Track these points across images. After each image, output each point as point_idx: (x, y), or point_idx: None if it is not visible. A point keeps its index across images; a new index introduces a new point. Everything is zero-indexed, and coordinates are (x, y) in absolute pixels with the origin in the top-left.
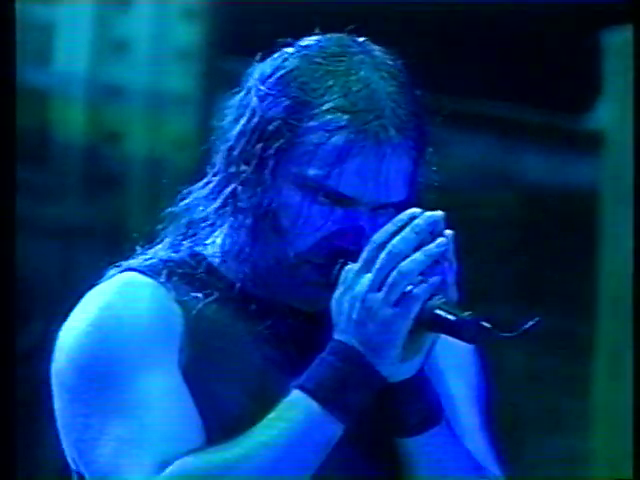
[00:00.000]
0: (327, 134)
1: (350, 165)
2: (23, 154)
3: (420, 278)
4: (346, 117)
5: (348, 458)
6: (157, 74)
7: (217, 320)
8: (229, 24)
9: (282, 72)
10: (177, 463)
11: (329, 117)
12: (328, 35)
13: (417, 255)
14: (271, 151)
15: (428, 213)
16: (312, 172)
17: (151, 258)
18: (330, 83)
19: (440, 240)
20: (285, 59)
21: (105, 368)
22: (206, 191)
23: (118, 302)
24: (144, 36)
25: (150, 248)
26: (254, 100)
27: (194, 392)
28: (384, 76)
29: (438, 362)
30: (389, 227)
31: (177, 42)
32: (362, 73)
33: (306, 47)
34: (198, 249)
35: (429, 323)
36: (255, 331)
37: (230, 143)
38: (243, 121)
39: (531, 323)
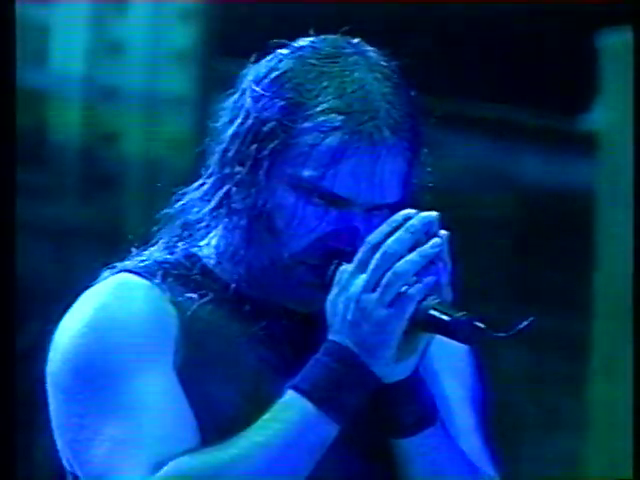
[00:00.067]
0: (321, 135)
1: (345, 166)
2: (20, 155)
3: (415, 279)
4: (340, 118)
5: (343, 459)
6: (153, 75)
7: (212, 321)
8: (224, 26)
9: (276, 73)
10: (172, 464)
11: (323, 118)
12: (322, 36)
13: (412, 256)
14: (266, 152)
15: (423, 214)
16: (307, 173)
17: (146, 259)
18: (324, 84)
19: (435, 241)
20: (279, 60)
21: (100, 369)
22: (201, 192)
23: (113, 303)
24: (140, 38)
25: (145, 249)
26: (248, 101)
27: (189, 393)
28: (378, 77)
29: (433, 363)
30: (384, 228)
31: (173, 44)
32: (356, 74)
33: (300, 48)
34: (193, 250)
35: (423, 323)
36: (250, 332)
37: (224, 144)
38: (237, 122)
39: (525, 323)
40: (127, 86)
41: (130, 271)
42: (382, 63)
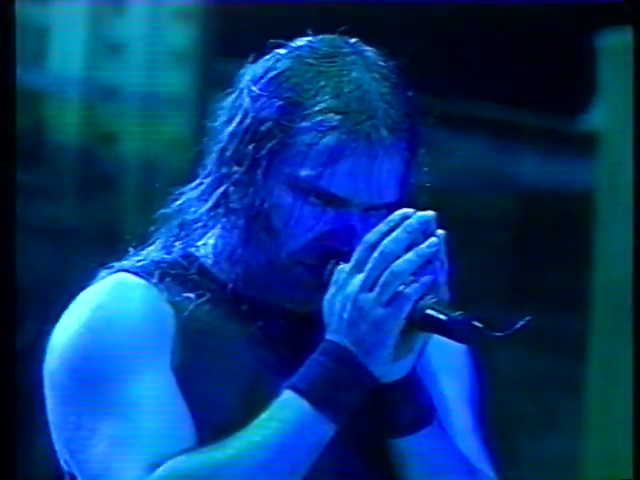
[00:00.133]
0: (319, 135)
1: (342, 166)
2: (19, 155)
3: (412, 278)
4: (338, 118)
5: (340, 458)
6: (152, 76)
7: (209, 321)
8: (223, 26)
9: (274, 73)
10: (169, 463)
11: (321, 118)
12: (320, 36)
13: (409, 255)
14: (263, 152)
15: (420, 213)
16: (304, 173)
17: (143, 259)
18: (322, 84)
19: (432, 240)
20: (277, 60)
21: (97, 369)
22: (198, 192)
23: (110, 303)
24: (139, 38)
25: (143, 249)
26: (246, 101)
27: (186, 393)
28: (376, 77)
29: (431, 363)
30: (381, 227)
31: (171, 44)
32: (354, 74)
33: (298, 48)
34: (190, 250)
35: (421, 323)
36: (247, 332)
37: (222, 144)
38: (235, 122)
39: (522, 323)
40: (126, 86)
41: (127, 271)
42: (380, 63)
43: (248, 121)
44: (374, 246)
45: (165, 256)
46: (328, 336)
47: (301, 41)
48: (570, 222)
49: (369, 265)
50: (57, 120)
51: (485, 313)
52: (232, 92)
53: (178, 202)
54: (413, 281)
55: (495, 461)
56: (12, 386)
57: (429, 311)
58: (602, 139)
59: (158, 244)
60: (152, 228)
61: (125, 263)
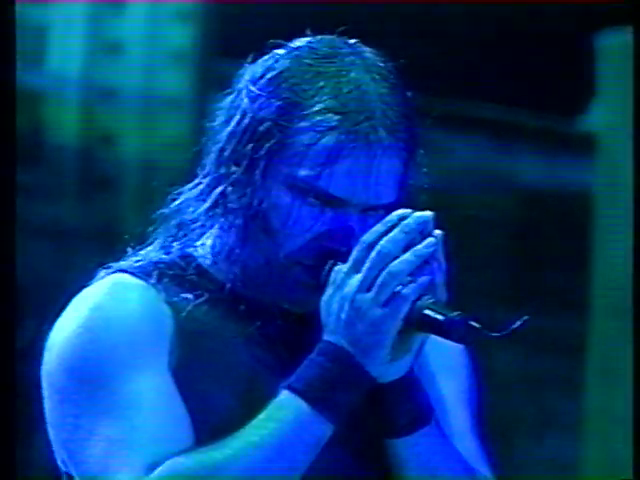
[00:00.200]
0: (317, 135)
1: (340, 166)
2: (18, 155)
3: (409, 278)
4: (336, 118)
5: (338, 458)
6: (150, 76)
7: (207, 321)
8: (222, 26)
9: (273, 73)
10: (167, 463)
11: (319, 118)
12: (319, 37)
13: (406, 255)
14: (262, 152)
15: (417, 213)
16: (302, 173)
17: (142, 259)
18: (321, 84)
19: (429, 240)
20: (276, 60)
21: (95, 369)
22: (196, 192)
23: (108, 303)
24: (137, 38)
25: (141, 249)
26: (245, 101)
27: (184, 393)
28: (375, 77)
29: (429, 363)
30: (378, 227)
31: (170, 44)
32: (353, 74)
33: (297, 48)
34: (189, 250)
35: (418, 323)
36: (245, 332)
37: (221, 144)
38: (234, 122)
39: (519, 322)
40: (125, 87)
41: (125, 271)
42: (379, 64)
43: (246, 121)
44: (372, 246)
45: (163, 256)
46: (325, 336)
47: (300, 41)
48: (569, 222)
49: (367, 265)
50: (56, 120)
51: (484, 313)
52: (231, 92)
53: (176, 202)
54: (410, 281)
55: (494, 461)
56: (12, 386)
57: (426, 311)
58: (601, 139)
59: (156, 244)
60: (150, 228)
61: (123, 263)
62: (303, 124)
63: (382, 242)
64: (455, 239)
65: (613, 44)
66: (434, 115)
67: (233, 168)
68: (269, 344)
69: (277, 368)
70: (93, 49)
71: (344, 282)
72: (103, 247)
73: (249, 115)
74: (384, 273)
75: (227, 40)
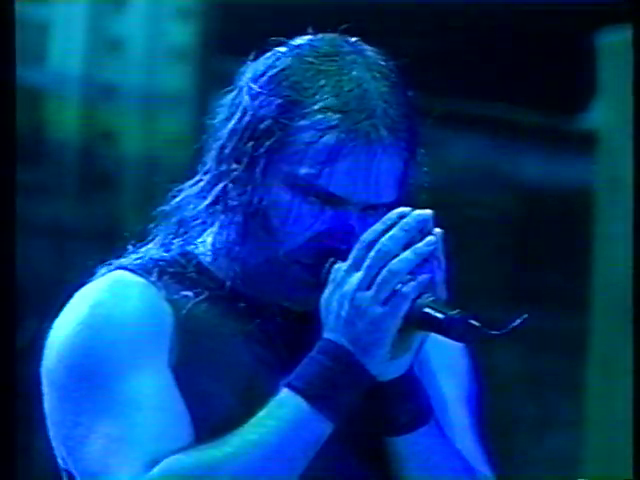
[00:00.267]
0: (318, 133)
1: (341, 165)
2: (18, 153)
3: (409, 277)
4: (337, 117)
5: (337, 457)
6: (151, 73)
7: (207, 319)
8: (223, 24)
9: (274, 71)
10: (166, 461)
11: (320, 116)
12: (320, 35)
13: (406, 254)
14: (262, 150)
15: (417, 211)
16: (303, 171)
17: (142, 257)
18: (322, 83)
19: (429, 239)
20: (277, 58)
21: (95, 366)
22: (197, 189)
23: (108, 300)
24: (138, 36)
25: (141, 247)
26: (246, 99)
27: (184, 391)
28: (376, 76)
29: (429, 362)
30: (378, 226)
31: (171, 42)
32: (354, 73)
33: (298, 46)
34: (189, 248)
35: (418, 321)
36: (245, 330)
37: (221, 141)
38: (235, 120)
39: (518, 321)
40: (126, 84)
41: (126, 268)
42: (380, 62)
43: (247, 119)
44: (371, 245)
45: (163, 254)
46: (325, 335)
47: (301, 39)
48: (570, 220)
49: (366, 263)
50: (57, 118)
51: (484, 312)
52: (232, 90)
53: (177, 199)
54: (410, 280)
55: (494, 460)
56: (12, 385)
57: (426, 310)
58: (602, 138)
59: (157, 242)
60: (151, 225)
61: (123, 261)
62: (304, 122)
63: (382, 240)
64: (455, 237)
65: (614, 42)
66: (435, 115)
67: (234, 165)
68: (269, 342)
69: (277, 366)
70: (94, 46)
71: (344, 280)
72: (104, 244)
73: (250, 113)
74: (384, 271)
75: (228, 37)
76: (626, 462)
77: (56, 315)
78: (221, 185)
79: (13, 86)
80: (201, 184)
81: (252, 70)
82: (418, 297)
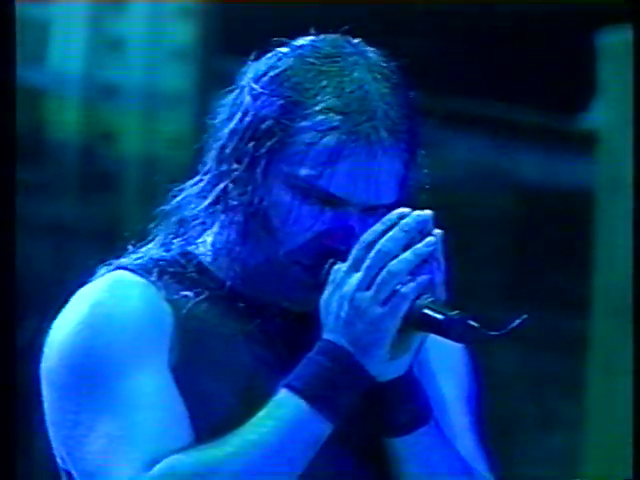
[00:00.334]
0: (319, 134)
1: (341, 166)
2: (19, 153)
3: (409, 277)
4: (338, 118)
5: (336, 457)
6: (152, 73)
7: (207, 319)
8: (224, 24)
9: (276, 71)
10: (166, 461)
11: (321, 117)
12: (322, 36)
13: (406, 254)
14: (263, 150)
15: (417, 212)
16: (303, 172)
17: (142, 257)
18: (323, 83)
19: (429, 239)
20: (279, 59)
21: (95, 366)
22: (197, 189)
23: (108, 300)
24: (139, 35)
25: (142, 247)
26: (247, 99)
27: (184, 390)
28: (377, 78)
29: (429, 362)
30: (378, 226)
31: (172, 41)
32: (356, 74)
33: (300, 47)
34: (189, 248)
35: (417, 322)
36: (245, 330)
37: (222, 141)
38: (236, 120)
39: (518, 321)
40: (126, 84)
41: (126, 268)
42: (382, 64)
43: (248, 119)
44: (371, 245)
45: (164, 254)
46: (325, 335)
47: (303, 40)
48: (570, 220)
49: (366, 264)
50: (57, 118)
51: (484, 312)
52: (233, 90)
53: (177, 198)
54: (410, 280)
55: (493, 460)
56: (12, 385)
57: (426, 310)
58: (602, 137)
59: (157, 241)
60: (151, 225)
61: (124, 261)
62: (305, 123)
63: (382, 241)
64: (454, 237)
65: (614, 42)
66: (436, 116)
67: (234, 165)
68: (269, 342)
69: (277, 366)
70: (95, 46)
71: (344, 281)
72: (104, 244)
73: (251, 113)
74: (384, 272)
75: (229, 37)
76: (626, 462)
77: (56, 315)
78: (222, 185)
79: (13, 86)
80: (202, 184)
81: (254, 70)
82: (417, 298)
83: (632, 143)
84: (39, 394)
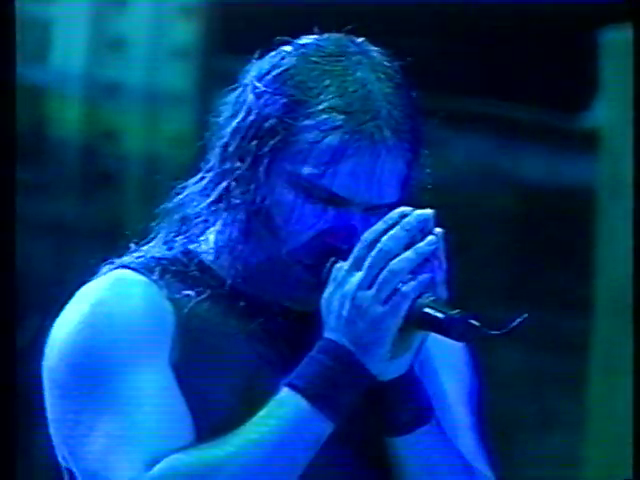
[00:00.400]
0: (322, 133)
1: (344, 165)
2: (20, 152)
3: (410, 276)
4: (341, 117)
5: (338, 457)
6: (154, 72)
7: (209, 318)
8: (226, 22)
9: (279, 70)
10: (167, 460)
11: (324, 117)
12: (326, 35)
13: (408, 253)
14: (266, 149)
15: (418, 211)
16: (306, 171)
17: (144, 255)
18: (327, 83)
19: (430, 238)
20: (282, 57)
21: (96, 365)
22: (200, 187)
23: (110, 299)
24: (141, 34)
25: (143, 245)
26: (250, 97)
27: (185, 390)
28: (381, 77)
29: (430, 361)
30: (380, 225)
31: (174, 40)
32: (359, 74)
33: (304, 46)
34: (191, 246)
35: (418, 321)
36: (247, 329)
37: (225, 139)
38: (239, 118)
39: (519, 320)
40: (128, 83)
41: (127, 267)
42: (385, 63)
43: (251, 117)
44: (372, 244)
45: (166, 252)
46: (326, 334)
47: (307, 39)
48: (571, 219)
49: (367, 263)
50: (58, 116)
51: (485, 311)
52: (236, 88)
53: (180, 196)
54: (411, 279)
55: (494, 460)
56: (12, 385)
57: (427, 309)
58: (603, 136)
59: (159, 240)
60: (153, 223)
61: (125, 259)
62: (308, 122)
63: (383, 240)
64: (456, 236)
65: (615, 41)
66: (439, 116)
67: (237, 164)
68: (270, 341)
69: (278, 365)
70: (96, 45)
71: (345, 280)
72: (105, 243)
73: (254, 111)
74: (385, 271)
75: (231, 36)
76: (626, 462)
77: (57, 314)
78: (224, 183)
79: (13, 86)
80: (204, 182)
81: (257, 68)
82: (419, 297)
83: (633, 142)
84: (40, 394)
